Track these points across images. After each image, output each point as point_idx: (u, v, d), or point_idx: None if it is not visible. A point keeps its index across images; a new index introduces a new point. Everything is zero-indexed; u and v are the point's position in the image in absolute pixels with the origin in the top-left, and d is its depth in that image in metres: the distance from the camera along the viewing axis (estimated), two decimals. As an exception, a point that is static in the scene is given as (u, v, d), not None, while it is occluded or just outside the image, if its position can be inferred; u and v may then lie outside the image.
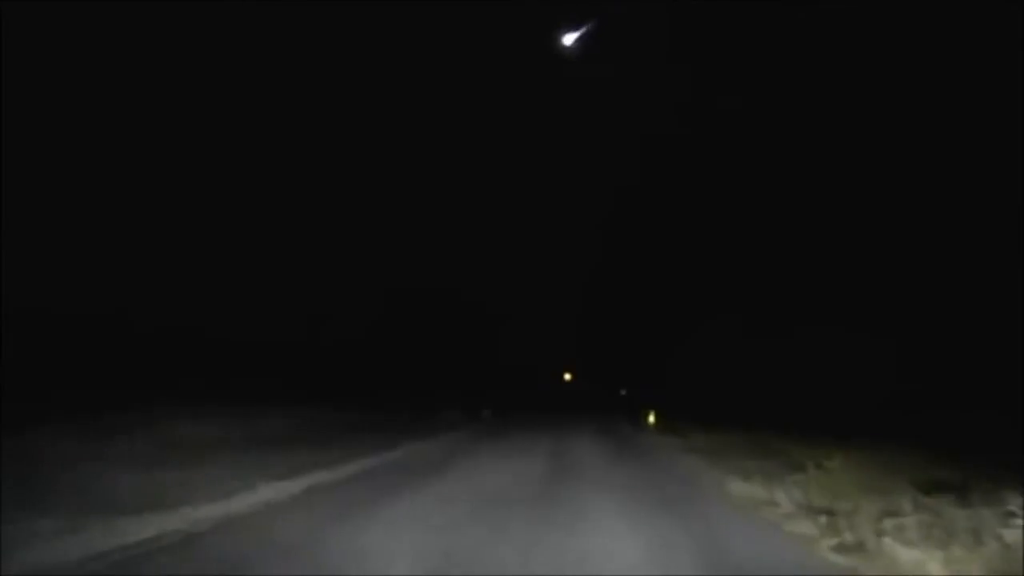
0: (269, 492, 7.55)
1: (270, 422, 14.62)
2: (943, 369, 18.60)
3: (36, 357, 13.47)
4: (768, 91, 23.65)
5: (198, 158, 19.30)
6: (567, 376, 64.03)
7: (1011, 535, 5.49)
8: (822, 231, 24.48)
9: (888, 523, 6.54)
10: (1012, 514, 6.04)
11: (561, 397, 48.82)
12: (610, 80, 26.31)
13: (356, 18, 23.42)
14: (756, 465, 11.26)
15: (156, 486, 7.25)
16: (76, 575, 4.53)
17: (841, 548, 5.83)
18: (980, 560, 5.16)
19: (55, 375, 13.44)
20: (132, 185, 17.64)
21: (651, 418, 24.51)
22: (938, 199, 18.89)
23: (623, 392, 53.49)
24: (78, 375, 14.08)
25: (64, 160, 15.83)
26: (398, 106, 28.14)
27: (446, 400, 25.79)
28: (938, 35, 16.80)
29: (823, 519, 6.86)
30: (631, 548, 5.52)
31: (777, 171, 25.65)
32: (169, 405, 13.38)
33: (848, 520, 6.67)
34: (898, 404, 18.55)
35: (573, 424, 23.21)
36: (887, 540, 5.85)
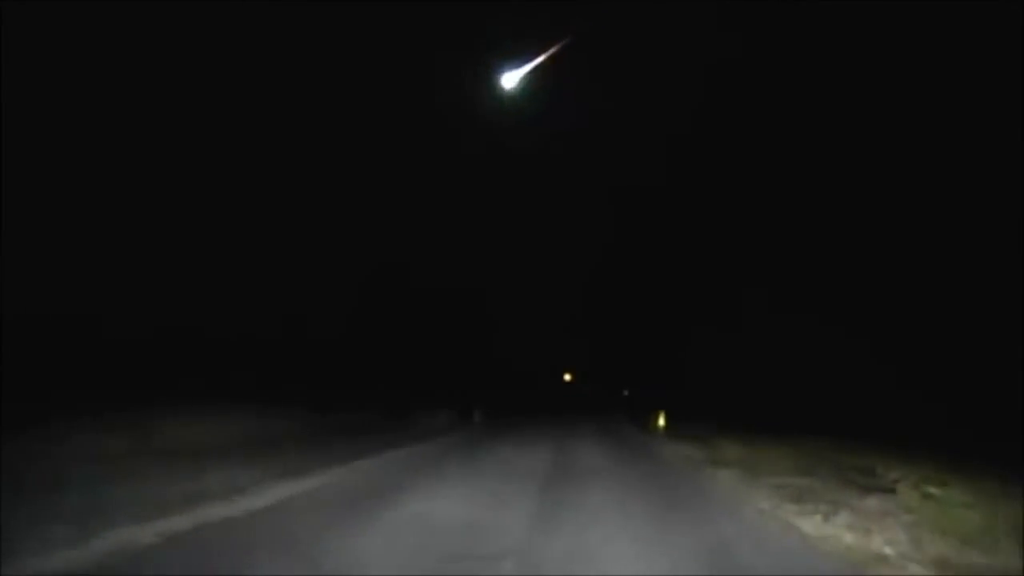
0: (103, 545, 4.89)
1: (193, 430, 11.99)
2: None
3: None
4: (769, 94, 22.66)
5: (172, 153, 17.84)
6: (567, 376, 61.48)
7: None
8: (841, 228, 22.60)
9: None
10: None
11: (560, 398, 46.33)
12: (616, 78, 25.35)
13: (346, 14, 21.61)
14: (817, 488, 8.57)
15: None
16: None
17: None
18: None
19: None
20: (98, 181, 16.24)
21: (660, 421, 21.77)
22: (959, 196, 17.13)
23: (625, 392, 51.11)
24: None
25: (54, 163, 14.97)
26: (393, 100, 26.54)
27: (439, 400, 23.65)
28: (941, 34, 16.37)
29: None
30: None
31: (791, 166, 24.13)
32: (90, 414, 10.82)
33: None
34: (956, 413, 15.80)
35: (574, 428, 20.59)
36: None
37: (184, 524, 5.63)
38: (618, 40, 20.72)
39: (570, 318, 53.28)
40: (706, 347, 31.72)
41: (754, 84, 24.15)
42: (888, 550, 5.43)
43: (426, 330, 32.28)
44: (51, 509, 5.81)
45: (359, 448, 11.72)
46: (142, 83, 16.66)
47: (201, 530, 5.46)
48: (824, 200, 23.23)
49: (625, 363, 52.71)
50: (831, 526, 6.36)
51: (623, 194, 38.88)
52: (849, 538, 5.88)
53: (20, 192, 13.36)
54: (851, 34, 19.22)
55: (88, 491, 6.59)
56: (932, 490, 7.17)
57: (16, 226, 13.37)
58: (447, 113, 28.16)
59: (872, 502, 7.59)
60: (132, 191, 16.92)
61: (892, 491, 8.24)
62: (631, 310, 48.32)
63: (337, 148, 24.20)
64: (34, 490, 6.48)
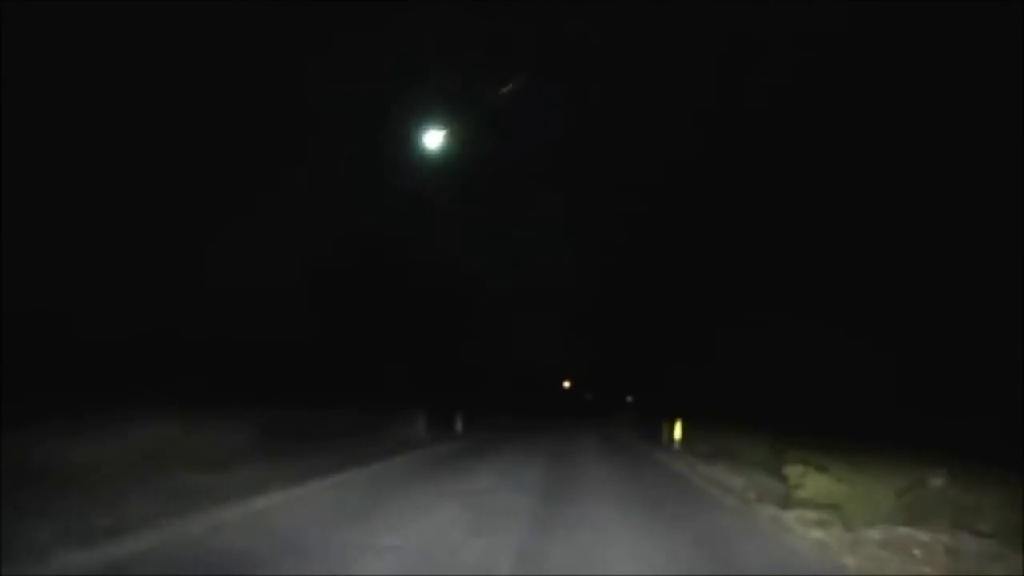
0: None
1: (90, 448, 8.90)
2: None
3: None
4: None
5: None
6: (566, 383, 58.50)
7: None
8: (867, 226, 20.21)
9: None
10: None
11: (559, 405, 43.55)
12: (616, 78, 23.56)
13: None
14: (968, 552, 5.49)
15: None
16: None
17: None
18: None
19: None
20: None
21: (677, 433, 18.70)
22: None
23: (629, 399, 48.35)
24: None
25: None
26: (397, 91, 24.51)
27: (421, 406, 21.11)
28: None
29: None
30: None
31: (808, 163, 21.96)
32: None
33: None
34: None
35: (575, 443, 17.75)
36: None
37: None
38: (620, 41, 18.91)
39: (569, 322, 50.74)
40: (719, 346, 28.93)
41: (752, 85, 22.58)
42: None
43: (415, 330, 29.91)
44: None
45: (284, 472, 8.74)
46: (110, 80, 14.50)
47: None
48: (849, 197, 20.90)
49: (627, 367, 49.98)
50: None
51: (626, 195, 37.04)
52: None
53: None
54: (855, 35, 17.43)
55: None
56: None
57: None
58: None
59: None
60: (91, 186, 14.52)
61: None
62: (634, 312, 45.88)
63: (329, 149, 22.28)
64: None
